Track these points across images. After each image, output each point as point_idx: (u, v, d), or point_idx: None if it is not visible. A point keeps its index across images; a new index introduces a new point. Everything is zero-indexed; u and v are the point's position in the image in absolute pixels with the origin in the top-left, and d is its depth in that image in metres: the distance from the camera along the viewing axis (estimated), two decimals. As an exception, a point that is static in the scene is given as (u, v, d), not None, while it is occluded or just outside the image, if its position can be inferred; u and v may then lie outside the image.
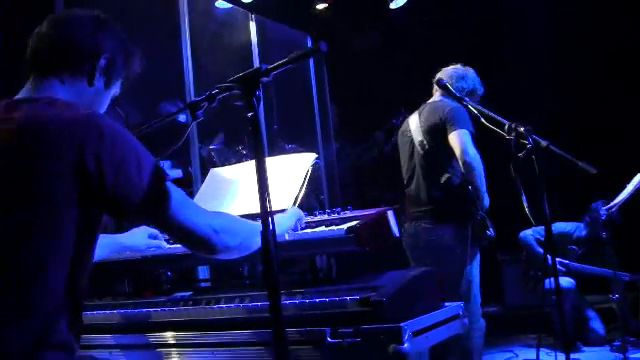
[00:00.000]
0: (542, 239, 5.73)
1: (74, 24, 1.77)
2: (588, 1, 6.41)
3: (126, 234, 2.42)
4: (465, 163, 3.76)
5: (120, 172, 1.55)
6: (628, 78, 6.34)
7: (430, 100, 4.14)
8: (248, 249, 1.90)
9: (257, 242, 1.88)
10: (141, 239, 2.41)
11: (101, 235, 2.32)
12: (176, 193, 1.67)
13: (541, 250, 5.68)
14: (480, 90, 4.10)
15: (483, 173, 3.80)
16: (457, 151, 3.78)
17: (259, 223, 1.94)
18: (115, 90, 1.87)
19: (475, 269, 3.82)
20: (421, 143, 4.00)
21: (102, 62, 1.77)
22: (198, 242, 1.73)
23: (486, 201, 3.83)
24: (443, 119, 3.86)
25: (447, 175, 3.89)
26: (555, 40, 6.58)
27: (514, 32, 6.72)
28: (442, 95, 4.06)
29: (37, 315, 1.49)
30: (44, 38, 1.75)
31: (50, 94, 1.69)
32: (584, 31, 6.45)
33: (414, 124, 4.09)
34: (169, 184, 1.66)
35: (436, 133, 3.91)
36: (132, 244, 2.40)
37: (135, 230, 2.43)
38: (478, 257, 3.87)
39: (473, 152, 3.76)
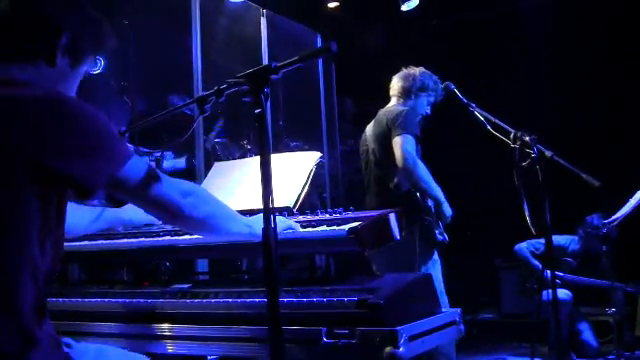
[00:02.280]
0: (537, 252, 5.74)
1: None
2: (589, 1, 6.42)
3: (124, 208, 2.40)
4: (405, 171, 3.76)
5: (82, 155, 1.51)
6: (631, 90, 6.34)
7: (385, 107, 4.15)
8: (217, 227, 1.89)
9: (230, 225, 1.91)
10: (138, 214, 2.39)
11: (103, 208, 2.34)
12: (143, 170, 1.64)
13: (536, 263, 5.68)
14: (434, 86, 4.07)
15: (429, 178, 3.77)
16: (397, 158, 3.76)
17: (236, 212, 1.97)
18: (84, 70, 1.74)
19: (431, 270, 3.77)
20: (373, 151, 4.04)
21: (64, 40, 1.63)
22: (163, 205, 1.72)
23: (444, 207, 3.80)
24: (389, 124, 3.87)
25: (395, 180, 3.89)
26: (557, 42, 6.60)
27: (517, 31, 6.74)
28: (397, 100, 4.10)
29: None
30: (3, 13, 1.61)
31: (7, 75, 1.58)
32: (585, 31, 6.45)
33: (369, 132, 4.13)
34: (136, 158, 1.62)
35: (383, 139, 3.92)
36: (129, 218, 2.40)
37: (131, 205, 2.40)
38: (435, 259, 3.85)
39: (412, 159, 3.73)
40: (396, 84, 4.14)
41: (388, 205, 3.79)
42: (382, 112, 4.06)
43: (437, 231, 3.79)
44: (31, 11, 1.61)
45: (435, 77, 4.12)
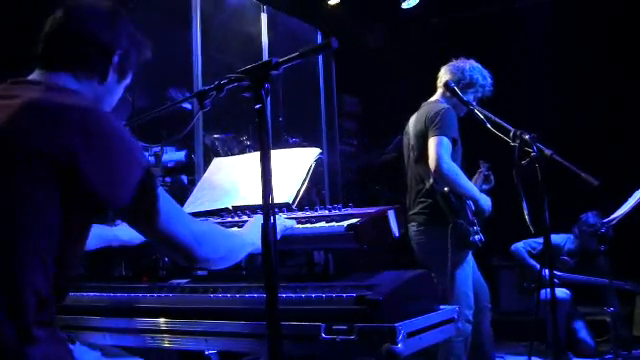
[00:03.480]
0: (534, 252, 5.73)
1: (89, 16, 1.73)
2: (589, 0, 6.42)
3: (121, 227, 2.39)
4: (437, 174, 3.70)
5: (110, 173, 1.53)
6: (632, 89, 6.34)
7: (430, 99, 4.07)
8: (230, 262, 1.91)
9: (241, 255, 1.93)
10: (135, 233, 2.39)
11: (97, 225, 2.33)
12: (163, 202, 1.64)
13: (533, 262, 5.67)
14: (483, 82, 3.99)
15: (463, 180, 3.74)
16: (430, 161, 3.71)
17: (243, 238, 1.97)
18: (127, 82, 1.84)
19: (460, 273, 3.78)
20: (412, 148, 3.97)
21: (116, 59, 1.74)
22: (178, 251, 1.72)
23: (482, 203, 3.78)
24: (427, 123, 3.80)
25: (432, 180, 3.83)
26: (558, 40, 6.60)
27: (517, 30, 6.75)
28: (442, 95, 4.01)
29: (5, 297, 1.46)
30: (57, 28, 1.70)
31: (57, 82, 1.66)
32: (585, 30, 6.45)
33: (411, 126, 4.04)
34: (157, 192, 1.63)
35: (421, 137, 3.86)
36: (127, 239, 2.38)
37: None
38: (467, 261, 3.83)
39: (447, 164, 3.67)
40: (443, 76, 4.01)
41: (422, 204, 3.84)
42: (424, 106, 3.98)
43: (472, 232, 3.73)
44: (89, 28, 1.70)
45: (485, 71, 4.02)
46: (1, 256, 1.47)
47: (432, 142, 3.72)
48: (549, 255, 3.46)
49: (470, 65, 4.00)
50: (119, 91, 1.82)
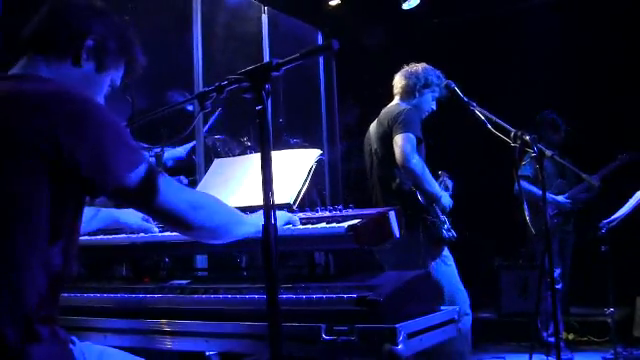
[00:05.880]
0: (529, 175, 5.47)
1: (68, 5, 1.76)
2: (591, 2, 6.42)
3: (122, 210, 2.42)
4: (405, 170, 3.74)
5: (97, 155, 1.53)
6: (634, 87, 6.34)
7: (388, 105, 4.13)
8: (227, 234, 1.91)
9: (239, 230, 1.92)
10: (134, 218, 2.43)
11: (99, 208, 2.35)
12: (157, 178, 1.66)
13: (535, 189, 5.38)
14: (438, 81, 4.04)
15: (429, 177, 3.77)
16: (397, 157, 3.75)
17: (245, 214, 1.97)
18: (112, 78, 1.83)
19: (442, 269, 3.78)
20: (375, 151, 4.03)
21: (89, 42, 1.73)
22: (173, 218, 1.73)
23: (444, 201, 3.81)
24: (390, 123, 3.86)
25: (397, 181, 3.88)
26: (559, 41, 6.61)
27: (519, 31, 6.75)
28: (400, 98, 4.08)
29: (7, 293, 1.46)
30: (36, 18, 1.75)
31: (34, 72, 1.68)
32: (586, 31, 6.45)
33: (372, 131, 4.11)
34: (146, 166, 1.64)
35: (385, 139, 3.91)
36: (125, 221, 2.41)
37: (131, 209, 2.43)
38: (445, 255, 3.84)
39: (415, 159, 3.71)
40: (399, 82, 4.11)
41: (391, 205, 3.87)
42: (384, 111, 4.05)
43: (444, 228, 3.78)
44: (60, 15, 1.74)
45: (438, 71, 4.10)
46: (1, 254, 1.47)
47: (398, 139, 3.76)
48: (549, 255, 3.45)
49: (423, 67, 4.09)
50: (101, 84, 1.81)
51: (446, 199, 3.84)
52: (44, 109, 1.51)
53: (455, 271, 3.87)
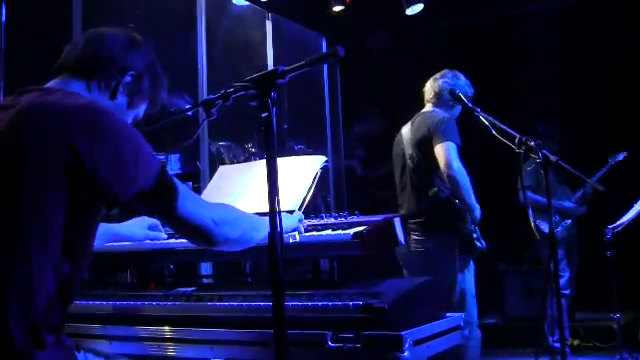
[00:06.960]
0: (530, 184, 5.47)
1: (107, 38, 1.80)
2: (593, 5, 6.41)
3: (123, 224, 2.42)
4: (449, 177, 3.76)
5: (116, 163, 1.54)
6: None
7: (422, 110, 4.13)
8: (249, 242, 1.91)
9: (259, 236, 1.90)
10: (139, 230, 2.42)
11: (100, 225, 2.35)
12: (178, 188, 1.66)
13: (539, 198, 5.36)
14: (470, 92, 4.07)
15: (469, 186, 3.78)
16: (441, 165, 3.76)
17: (262, 218, 1.97)
18: (137, 112, 1.87)
19: (468, 279, 3.82)
20: (411, 156, 4.02)
21: (127, 79, 1.78)
22: (197, 233, 1.73)
23: (477, 213, 3.82)
24: (431, 130, 3.86)
25: (435, 189, 3.88)
26: (561, 46, 6.60)
27: (522, 36, 6.75)
28: (434, 105, 4.08)
29: (18, 298, 1.47)
30: (76, 48, 1.78)
31: (72, 89, 1.70)
32: (588, 35, 6.44)
33: (406, 136, 4.10)
34: (167, 177, 1.65)
35: (424, 146, 3.91)
36: (129, 234, 2.40)
37: (134, 220, 2.43)
38: (471, 268, 3.87)
39: (458, 166, 3.73)
40: (432, 90, 4.10)
41: (427, 212, 3.89)
42: (421, 118, 4.04)
43: (476, 238, 3.79)
44: (106, 47, 1.78)
45: (465, 80, 4.09)
46: (16, 259, 1.48)
47: (442, 147, 3.77)
48: (554, 258, 3.44)
49: (456, 77, 4.08)
50: (128, 116, 1.84)
51: (478, 211, 3.84)
52: (62, 118, 1.53)
53: (473, 283, 3.88)
